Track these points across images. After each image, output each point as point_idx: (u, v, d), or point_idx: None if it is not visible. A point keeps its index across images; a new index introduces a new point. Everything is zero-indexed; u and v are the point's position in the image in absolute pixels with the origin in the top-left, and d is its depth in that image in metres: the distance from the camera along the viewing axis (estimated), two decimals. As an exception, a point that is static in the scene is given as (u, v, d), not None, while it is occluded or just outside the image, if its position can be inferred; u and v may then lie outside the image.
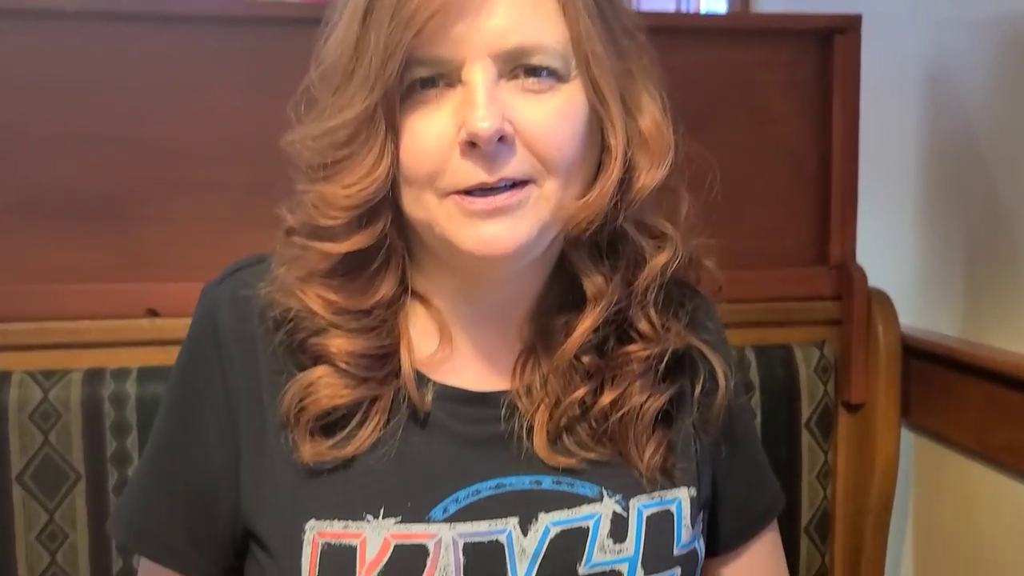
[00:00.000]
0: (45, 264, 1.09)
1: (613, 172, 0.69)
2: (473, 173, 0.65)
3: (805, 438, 1.18)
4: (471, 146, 0.64)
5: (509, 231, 0.66)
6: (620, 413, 0.74)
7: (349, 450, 0.71)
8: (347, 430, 0.72)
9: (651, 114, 0.71)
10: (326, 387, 0.71)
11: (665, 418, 0.77)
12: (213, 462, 0.74)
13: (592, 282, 0.74)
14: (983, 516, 1.15)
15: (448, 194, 0.66)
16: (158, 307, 1.08)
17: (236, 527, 0.74)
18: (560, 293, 0.76)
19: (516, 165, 0.66)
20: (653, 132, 0.70)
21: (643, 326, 0.75)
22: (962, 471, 1.18)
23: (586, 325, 0.73)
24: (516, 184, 0.66)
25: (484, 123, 0.63)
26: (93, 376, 1.05)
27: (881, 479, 1.18)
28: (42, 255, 1.09)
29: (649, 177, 0.70)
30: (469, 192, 0.65)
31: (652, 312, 0.76)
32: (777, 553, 0.88)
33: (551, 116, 0.66)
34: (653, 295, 0.75)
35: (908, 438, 1.25)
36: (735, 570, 0.85)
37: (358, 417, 0.72)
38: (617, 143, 0.69)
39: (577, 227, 0.70)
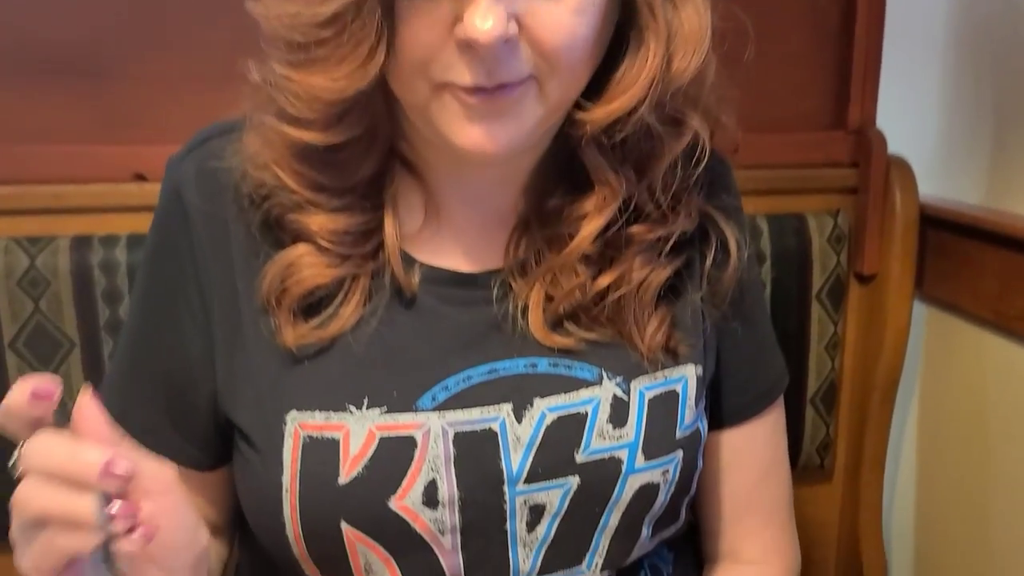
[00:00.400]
0: (20, 124, 1.03)
1: (648, 71, 0.61)
2: (468, 74, 0.57)
3: (815, 309, 1.15)
4: (469, 45, 0.56)
5: (502, 130, 0.60)
6: (619, 293, 0.70)
7: (332, 330, 0.68)
8: (329, 310, 0.68)
9: (693, 1, 0.62)
10: (308, 266, 0.67)
11: (670, 292, 0.73)
12: (188, 351, 0.71)
13: (603, 179, 0.68)
14: (992, 388, 1.13)
15: (442, 85, 0.59)
16: (145, 171, 1.04)
17: (217, 415, 0.72)
18: (558, 163, 0.71)
19: (518, 67, 0.58)
20: (694, 21, 0.62)
21: (651, 209, 0.71)
22: (974, 343, 1.15)
23: (593, 227, 0.68)
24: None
25: (485, 25, 0.54)
26: (81, 243, 1.02)
27: (890, 351, 1.16)
28: (16, 114, 1.03)
29: (682, 65, 0.62)
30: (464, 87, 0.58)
31: (662, 195, 0.70)
32: (777, 434, 0.85)
33: (566, 14, 0.58)
34: (665, 179, 0.69)
35: (920, 310, 1.22)
36: (732, 449, 0.82)
37: (340, 296, 0.68)
38: (658, 42, 0.61)
39: (597, 129, 0.63)
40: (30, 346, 1.01)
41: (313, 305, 0.68)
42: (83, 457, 0.52)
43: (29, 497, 0.52)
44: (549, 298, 0.71)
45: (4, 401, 0.53)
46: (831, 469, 1.23)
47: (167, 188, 0.72)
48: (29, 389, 0.52)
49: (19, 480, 0.53)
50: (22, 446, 0.53)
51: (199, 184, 0.70)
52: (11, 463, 0.54)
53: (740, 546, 0.84)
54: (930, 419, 1.26)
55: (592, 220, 0.69)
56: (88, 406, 0.54)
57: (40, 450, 0.52)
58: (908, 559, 1.32)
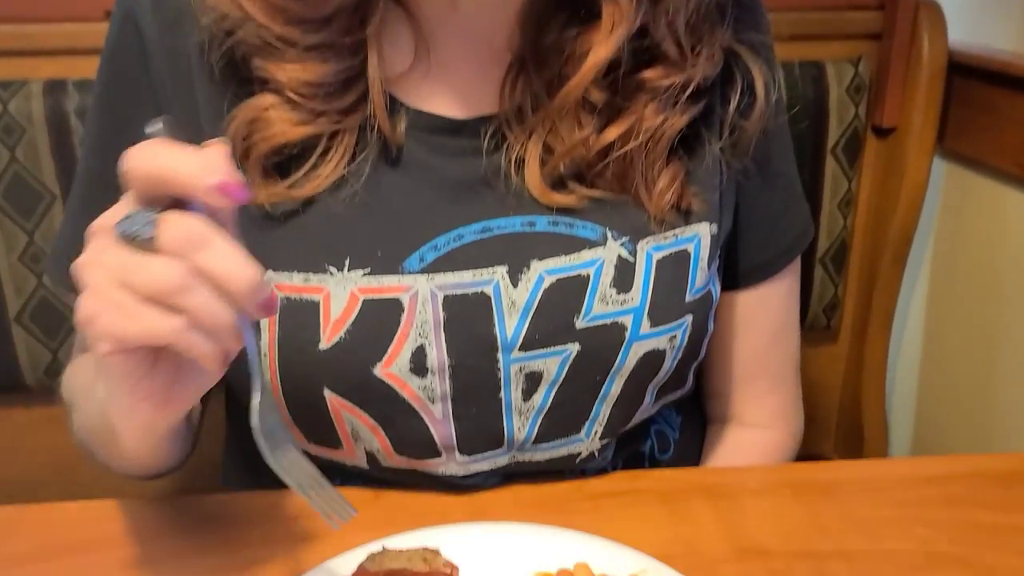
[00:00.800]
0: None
1: None
2: None
3: (829, 164, 1.10)
4: None
5: None
6: (628, 147, 0.64)
7: (308, 190, 0.62)
8: (305, 168, 0.62)
9: None
10: (277, 122, 0.61)
11: (684, 143, 0.67)
12: None
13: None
14: (1008, 247, 1.09)
15: None
16: (118, 9, 0.97)
17: None
18: None
19: None
20: None
21: (669, 48, 0.63)
22: (993, 200, 1.11)
23: (597, 58, 0.61)
24: None
25: None
26: (54, 87, 0.96)
27: (906, 208, 1.11)
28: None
29: None
30: None
31: (682, 30, 0.63)
32: (792, 295, 0.81)
33: None
34: (685, 9, 0.62)
35: (938, 166, 1.17)
36: (745, 310, 0.78)
37: (318, 152, 0.62)
38: None
39: None
40: (10, 199, 0.97)
41: (287, 162, 0.63)
42: (251, 279, 0.45)
43: (172, 284, 0.44)
44: (548, 151, 0.65)
45: (170, 164, 0.45)
46: (837, 330, 1.21)
47: (119, 15, 0.65)
48: (218, 180, 0.44)
49: (132, 243, 0.46)
50: (157, 211, 0.45)
51: (156, 12, 0.64)
52: (137, 226, 0.45)
53: (746, 409, 0.82)
54: (941, 280, 1.23)
55: (598, 48, 0.61)
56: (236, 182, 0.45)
57: (206, 245, 0.45)
58: (909, 422, 1.31)
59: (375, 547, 0.57)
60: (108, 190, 0.66)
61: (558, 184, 0.65)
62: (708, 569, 0.59)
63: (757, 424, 0.82)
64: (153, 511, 0.67)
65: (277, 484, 0.71)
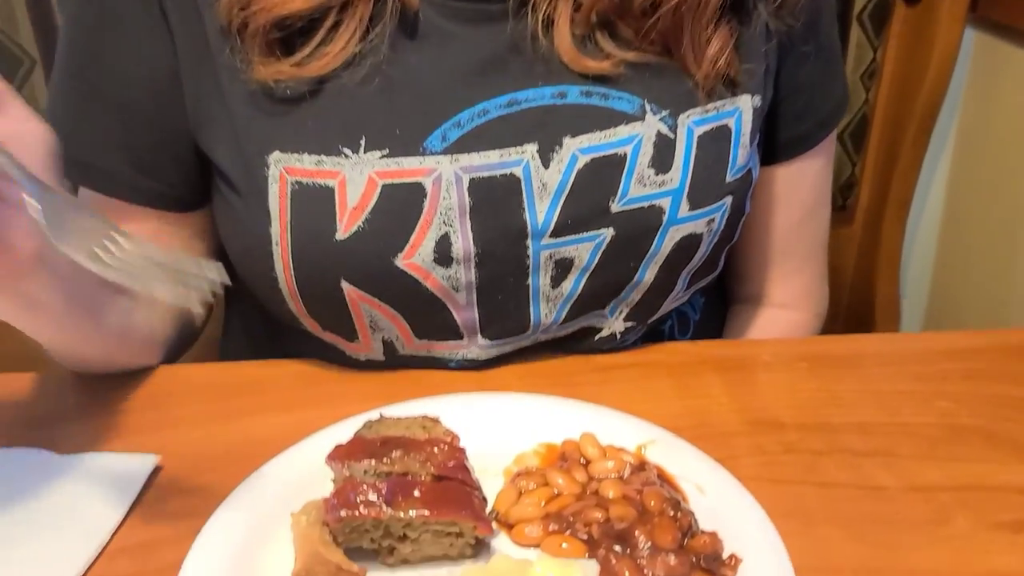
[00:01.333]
0: None
1: None
2: None
3: (854, 33, 1.04)
4: None
5: None
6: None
7: (315, 69, 0.57)
8: (313, 44, 0.57)
9: None
10: None
11: (734, 7, 0.61)
12: (141, 71, 0.60)
13: None
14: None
15: None
16: None
17: (188, 147, 0.62)
18: None
19: None
20: None
21: None
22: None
23: None
24: None
25: None
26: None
27: (934, 80, 1.05)
28: None
29: None
30: None
31: None
32: (827, 168, 0.76)
33: None
34: None
35: (968, 37, 1.10)
36: (782, 185, 0.74)
37: (327, 26, 0.57)
38: None
39: None
40: (-12, 64, 0.92)
41: (292, 37, 0.57)
42: None
43: None
44: (578, 5, 0.59)
45: None
46: (852, 211, 1.17)
47: None
48: None
49: None
50: None
51: None
52: None
53: (772, 289, 0.79)
54: (964, 156, 1.18)
55: None
56: None
57: None
58: (920, 307, 1.29)
59: (372, 415, 0.54)
60: (96, 62, 0.61)
61: (592, 50, 0.60)
62: (719, 440, 0.57)
63: (783, 304, 0.79)
64: (150, 378, 0.66)
65: (276, 358, 0.70)
